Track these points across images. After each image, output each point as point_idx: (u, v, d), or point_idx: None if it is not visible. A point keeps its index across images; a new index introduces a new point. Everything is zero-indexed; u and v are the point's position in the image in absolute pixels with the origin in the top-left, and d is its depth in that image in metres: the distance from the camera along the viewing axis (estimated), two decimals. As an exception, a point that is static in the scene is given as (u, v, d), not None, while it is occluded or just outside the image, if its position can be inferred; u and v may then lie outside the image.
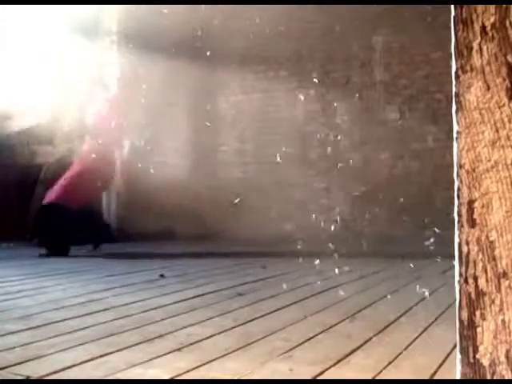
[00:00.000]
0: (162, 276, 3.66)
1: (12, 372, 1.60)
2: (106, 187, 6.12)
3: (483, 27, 0.77)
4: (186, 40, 7.18)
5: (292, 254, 5.13)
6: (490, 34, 0.76)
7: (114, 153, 5.87)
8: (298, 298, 2.83)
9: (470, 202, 0.78)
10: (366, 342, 1.95)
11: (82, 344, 1.92)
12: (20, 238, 6.21)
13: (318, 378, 1.55)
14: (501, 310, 0.75)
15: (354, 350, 1.83)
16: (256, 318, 2.35)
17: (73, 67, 6.31)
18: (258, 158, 7.34)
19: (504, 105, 0.76)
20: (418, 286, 2.99)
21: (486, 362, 0.76)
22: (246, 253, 5.32)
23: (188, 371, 1.60)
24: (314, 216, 6.93)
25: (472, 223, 0.77)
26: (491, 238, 0.76)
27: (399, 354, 1.77)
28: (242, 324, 2.24)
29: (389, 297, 2.90)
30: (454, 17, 0.79)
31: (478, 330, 0.76)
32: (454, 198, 0.80)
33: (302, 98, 7.16)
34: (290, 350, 1.84)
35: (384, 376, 1.56)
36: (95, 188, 5.68)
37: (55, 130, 6.67)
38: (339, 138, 6.92)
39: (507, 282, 0.75)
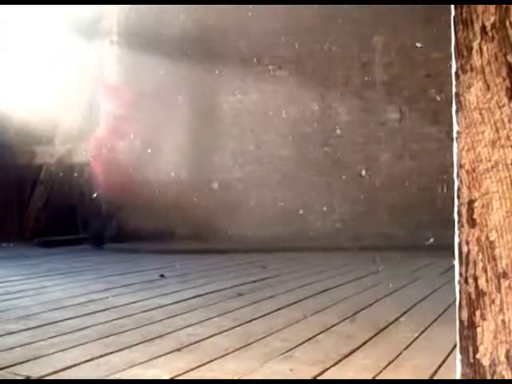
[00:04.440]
0: (162, 276, 3.66)
1: (12, 372, 1.60)
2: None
3: (483, 27, 0.77)
4: (186, 40, 7.18)
5: (292, 254, 5.14)
6: (490, 34, 0.76)
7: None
8: (298, 298, 2.83)
9: (470, 202, 0.78)
10: (365, 341, 1.94)
11: (81, 344, 1.92)
12: (20, 237, 6.22)
13: (318, 378, 1.55)
14: (501, 310, 0.75)
15: (353, 350, 1.83)
16: (256, 318, 2.35)
17: (73, 67, 6.31)
18: (257, 158, 7.34)
19: (504, 105, 0.76)
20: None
21: (486, 362, 0.76)
22: (246, 253, 5.31)
23: (188, 371, 1.60)
24: (314, 216, 6.93)
25: (472, 223, 0.77)
26: (491, 238, 0.76)
27: (399, 354, 1.77)
28: (242, 324, 2.24)
29: (389, 297, 2.90)
30: (453, 17, 0.79)
31: (478, 330, 0.76)
32: (453, 198, 0.80)
33: (301, 97, 7.15)
34: (290, 350, 1.84)
35: (384, 376, 1.56)
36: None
37: (55, 130, 6.67)
38: (339, 138, 6.92)
39: (507, 282, 0.75)
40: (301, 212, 6.94)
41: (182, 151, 7.54)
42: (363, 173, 6.75)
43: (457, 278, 0.79)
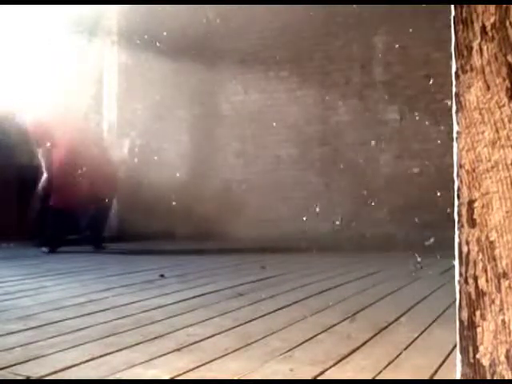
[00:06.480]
0: (162, 276, 3.66)
1: (12, 372, 1.60)
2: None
3: (483, 27, 0.77)
4: (186, 40, 7.18)
5: (292, 254, 5.14)
6: (490, 34, 0.76)
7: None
8: (298, 298, 2.83)
9: (470, 202, 0.78)
10: (365, 342, 1.94)
11: (82, 344, 1.92)
12: (20, 237, 6.21)
13: (318, 378, 1.55)
14: (501, 310, 0.75)
15: (353, 350, 1.83)
16: (256, 318, 2.35)
17: (73, 67, 6.31)
18: (258, 159, 7.35)
19: (504, 105, 0.76)
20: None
21: (486, 362, 0.76)
22: (246, 253, 5.31)
23: (188, 371, 1.60)
24: (314, 216, 6.92)
25: (472, 223, 0.77)
26: (491, 238, 0.76)
27: (399, 354, 1.77)
28: (242, 324, 2.24)
29: (389, 297, 2.90)
30: (453, 17, 0.79)
31: (478, 330, 0.76)
32: (454, 198, 0.80)
33: (301, 98, 7.15)
34: (290, 350, 1.84)
35: (384, 376, 1.56)
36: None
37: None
38: (339, 138, 6.92)
39: (507, 282, 0.75)
40: (301, 212, 6.94)
41: (183, 151, 7.54)
42: (362, 173, 6.75)
43: (457, 278, 0.79)
